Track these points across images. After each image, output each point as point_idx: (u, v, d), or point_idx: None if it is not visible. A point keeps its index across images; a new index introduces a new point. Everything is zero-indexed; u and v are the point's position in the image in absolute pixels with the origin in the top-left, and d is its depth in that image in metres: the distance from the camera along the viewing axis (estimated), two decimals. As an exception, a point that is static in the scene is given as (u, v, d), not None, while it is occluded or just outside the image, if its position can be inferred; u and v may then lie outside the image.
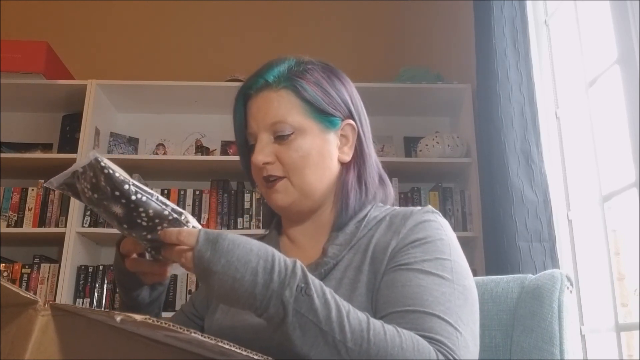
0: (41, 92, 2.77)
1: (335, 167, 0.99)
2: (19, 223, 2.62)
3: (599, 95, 1.84)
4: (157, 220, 0.76)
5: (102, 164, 0.73)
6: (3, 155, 2.63)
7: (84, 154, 2.59)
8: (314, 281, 0.74)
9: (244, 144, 1.00)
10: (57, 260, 2.63)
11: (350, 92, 1.02)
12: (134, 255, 0.88)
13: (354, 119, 1.01)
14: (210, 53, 3.16)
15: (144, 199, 0.75)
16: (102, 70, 2.92)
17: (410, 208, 0.96)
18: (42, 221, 2.62)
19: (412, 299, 0.80)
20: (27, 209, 2.65)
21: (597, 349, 1.75)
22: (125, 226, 0.77)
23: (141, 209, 0.75)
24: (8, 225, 2.61)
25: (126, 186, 0.74)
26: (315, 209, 0.99)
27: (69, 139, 2.77)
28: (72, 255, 2.50)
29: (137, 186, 0.75)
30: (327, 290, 0.75)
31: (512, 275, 1.12)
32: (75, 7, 3.20)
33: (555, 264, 1.80)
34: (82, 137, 2.64)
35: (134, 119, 3.02)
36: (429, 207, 0.96)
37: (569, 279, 1.04)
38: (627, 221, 1.77)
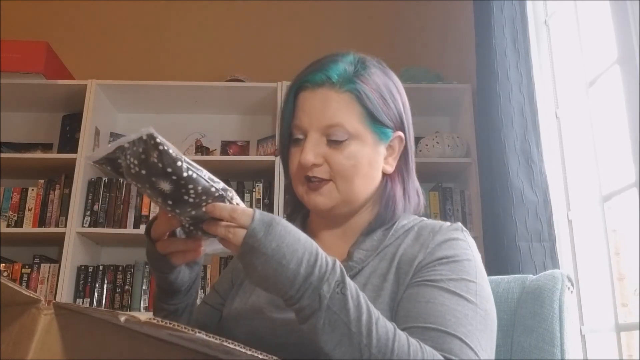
0: (41, 92, 2.77)
1: (378, 178, 0.98)
2: (19, 223, 2.62)
3: (599, 95, 1.84)
4: (204, 197, 0.75)
5: (158, 139, 0.71)
6: (3, 155, 2.63)
7: (84, 154, 2.59)
8: (350, 283, 0.75)
9: (288, 134, 0.97)
10: (57, 260, 2.63)
11: (403, 101, 1.01)
12: (165, 237, 0.87)
13: (404, 131, 0.99)
14: (210, 53, 3.16)
15: (194, 175, 0.73)
16: (102, 70, 2.92)
17: (440, 222, 0.96)
18: (42, 221, 2.62)
19: (434, 316, 0.79)
20: (27, 209, 2.65)
21: (597, 349, 1.75)
22: (170, 202, 0.76)
23: (190, 186, 0.74)
24: (8, 225, 2.61)
25: (179, 163, 0.72)
26: (352, 215, 0.98)
27: (69, 139, 2.77)
28: (72, 255, 2.50)
29: (188, 163, 0.74)
30: (362, 294, 0.75)
31: (513, 276, 1.12)
32: (75, 7, 3.19)
33: (555, 264, 1.80)
34: (82, 137, 2.64)
35: (134, 119, 3.01)
36: (459, 224, 0.95)
37: (569, 279, 1.04)
38: (627, 221, 1.77)
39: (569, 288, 1.03)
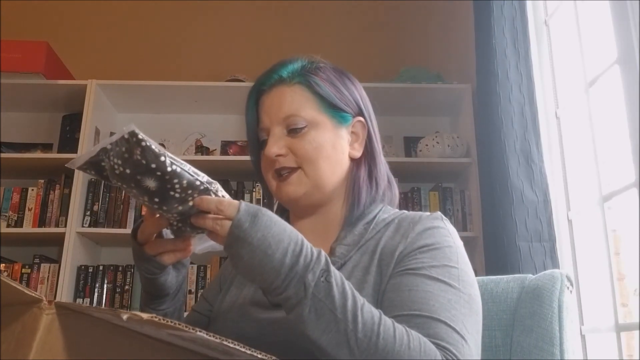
0: (41, 92, 2.77)
1: (346, 162, 1.01)
2: (19, 223, 2.62)
3: (599, 95, 1.84)
4: (189, 191, 0.76)
5: (140, 136, 0.72)
6: (3, 155, 2.63)
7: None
8: (335, 271, 0.76)
9: (256, 140, 1.01)
10: (57, 260, 2.63)
11: (359, 92, 1.05)
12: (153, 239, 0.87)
13: (364, 117, 1.03)
14: (210, 53, 3.16)
15: (178, 170, 0.74)
16: (102, 70, 2.92)
17: (419, 213, 0.97)
18: (42, 221, 2.62)
19: (419, 303, 0.80)
20: (27, 209, 2.65)
21: (597, 349, 1.75)
22: (156, 199, 0.76)
23: (175, 181, 0.74)
24: (8, 225, 2.61)
25: (162, 158, 0.73)
26: (324, 202, 1.00)
27: (69, 139, 2.77)
28: (72, 255, 2.50)
29: (172, 158, 0.74)
30: (347, 282, 0.76)
31: (512, 275, 1.12)
32: (75, 7, 3.19)
33: (555, 264, 1.80)
34: (82, 137, 2.64)
35: (134, 119, 3.01)
36: (438, 213, 0.96)
37: (569, 279, 1.04)
38: (627, 221, 1.77)
39: (568, 288, 1.03)
